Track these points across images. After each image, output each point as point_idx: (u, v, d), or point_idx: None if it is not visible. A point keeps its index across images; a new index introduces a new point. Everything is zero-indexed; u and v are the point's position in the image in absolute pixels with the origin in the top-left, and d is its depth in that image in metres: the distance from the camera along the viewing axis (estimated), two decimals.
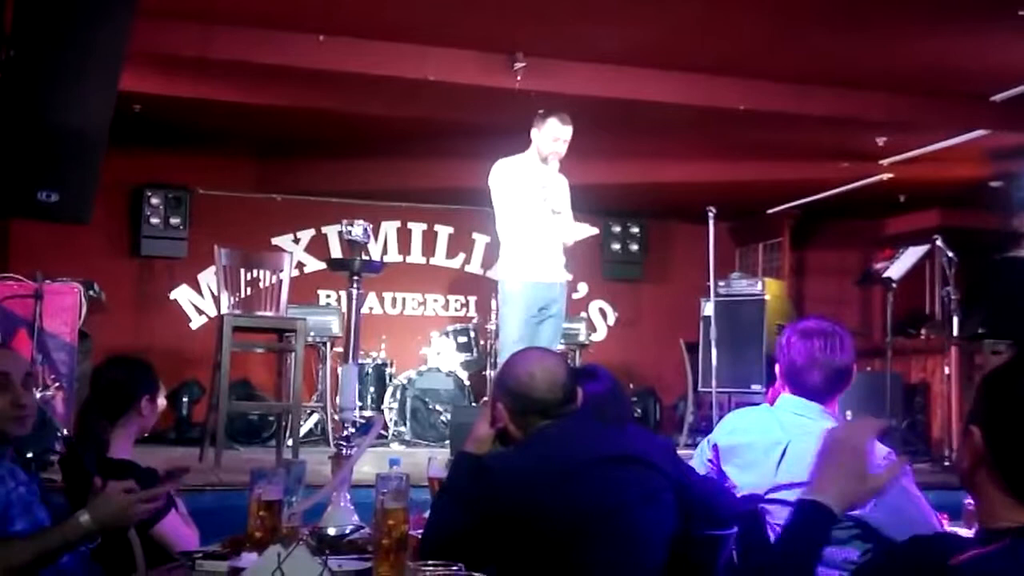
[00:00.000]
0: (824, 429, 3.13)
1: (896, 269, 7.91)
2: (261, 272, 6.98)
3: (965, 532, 2.75)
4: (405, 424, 8.46)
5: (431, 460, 3.37)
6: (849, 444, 1.76)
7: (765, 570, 1.93)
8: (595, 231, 6.54)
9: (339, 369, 7.76)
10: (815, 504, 1.74)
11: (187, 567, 2.64)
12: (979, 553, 1.53)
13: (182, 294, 10.02)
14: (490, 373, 8.55)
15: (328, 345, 8.75)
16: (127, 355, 3.99)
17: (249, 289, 6.98)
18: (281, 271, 6.90)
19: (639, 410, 9.89)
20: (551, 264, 6.35)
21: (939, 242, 7.81)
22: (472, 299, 10.69)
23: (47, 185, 4.63)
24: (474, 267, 10.81)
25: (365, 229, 3.45)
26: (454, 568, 2.20)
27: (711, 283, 7.88)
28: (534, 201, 6.25)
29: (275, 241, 10.17)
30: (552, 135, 6.22)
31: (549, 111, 6.31)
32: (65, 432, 4.99)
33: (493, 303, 8.49)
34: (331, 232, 10.21)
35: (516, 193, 6.26)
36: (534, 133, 6.29)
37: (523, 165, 6.31)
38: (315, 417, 8.60)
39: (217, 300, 7.65)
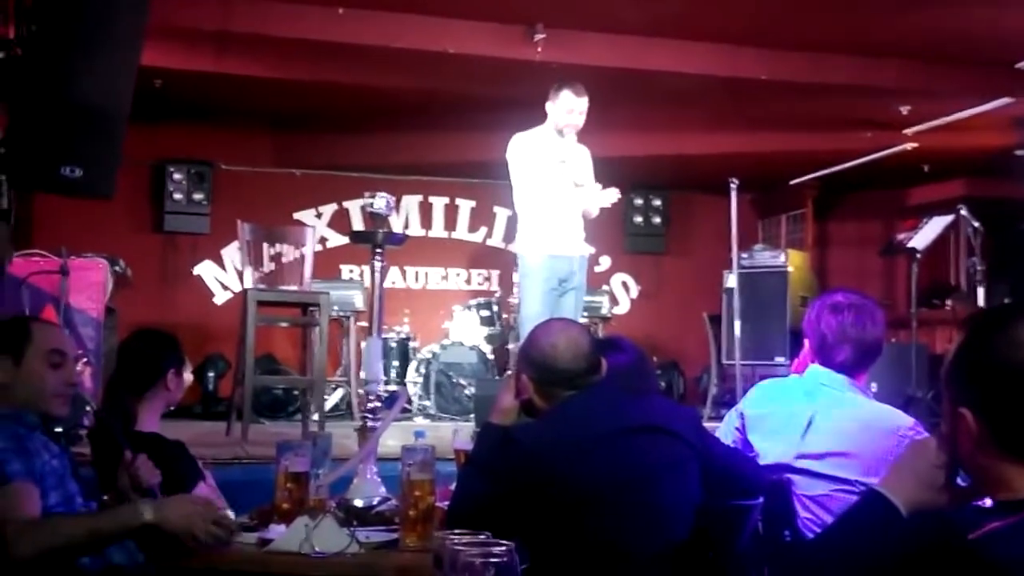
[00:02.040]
0: (853, 402, 3.16)
1: (920, 239, 7.84)
2: (284, 247, 7.01)
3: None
4: (429, 398, 8.48)
5: (456, 432, 3.38)
6: (930, 454, 1.73)
7: (815, 549, 1.92)
8: (616, 195, 6.46)
9: (363, 343, 7.79)
10: (884, 499, 1.71)
11: None
12: (999, 526, 1.50)
13: (206, 269, 10.06)
14: (513, 346, 8.55)
15: (352, 319, 8.76)
16: (153, 329, 4.01)
17: (272, 264, 7.01)
18: (304, 245, 6.92)
19: (663, 383, 9.88)
20: (570, 237, 6.34)
21: (964, 212, 7.74)
22: (495, 273, 10.69)
23: (70, 160, 4.64)
24: (496, 241, 10.80)
25: (387, 201, 3.43)
26: (480, 538, 2.21)
27: (734, 255, 7.84)
28: (552, 174, 6.24)
29: (297, 216, 10.18)
30: (566, 107, 6.20)
31: (563, 83, 6.28)
32: (93, 406, 5.02)
33: (515, 276, 8.49)
34: (353, 207, 10.21)
35: (534, 166, 6.24)
36: (549, 106, 6.27)
37: (540, 138, 6.29)
38: (340, 391, 8.63)
39: (241, 275, 7.68)
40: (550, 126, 6.27)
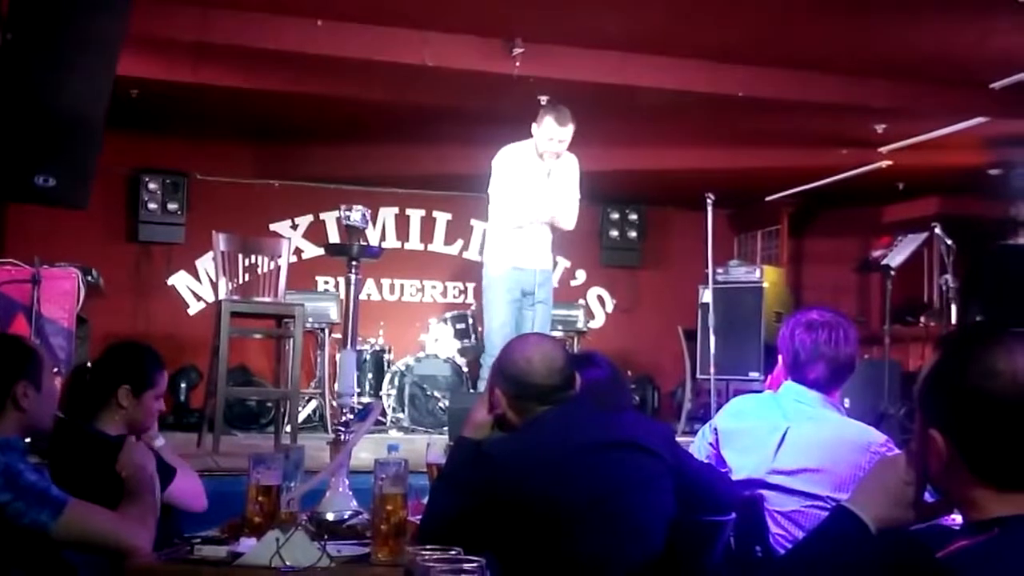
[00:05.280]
0: (826, 418, 3.17)
1: (895, 257, 7.89)
2: (259, 258, 6.96)
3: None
4: (403, 411, 8.45)
5: (429, 446, 3.38)
6: (899, 471, 1.73)
7: (785, 565, 1.92)
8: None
9: (337, 355, 7.76)
10: (853, 515, 1.71)
11: (186, 551, 2.64)
12: (967, 545, 1.50)
13: (180, 280, 10.01)
14: (487, 359, 8.54)
15: (326, 331, 8.74)
16: (118, 343, 3.67)
17: (247, 275, 6.97)
18: (279, 257, 6.89)
19: (637, 397, 9.88)
20: (534, 250, 6.36)
21: (938, 230, 7.79)
22: (470, 286, 10.66)
23: (44, 169, 4.61)
24: (472, 254, 10.77)
25: (363, 214, 3.42)
26: (452, 552, 2.20)
27: (709, 270, 7.87)
28: (528, 189, 6.26)
29: (273, 227, 10.14)
30: (547, 135, 6.22)
31: (550, 106, 6.31)
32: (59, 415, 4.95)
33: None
34: (329, 218, 10.19)
35: (512, 180, 6.27)
36: (534, 127, 6.30)
37: (525, 153, 6.33)
38: (313, 403, 8.61)
39: (215, 286, 7.64)
40: (533, 144, 6.30)
